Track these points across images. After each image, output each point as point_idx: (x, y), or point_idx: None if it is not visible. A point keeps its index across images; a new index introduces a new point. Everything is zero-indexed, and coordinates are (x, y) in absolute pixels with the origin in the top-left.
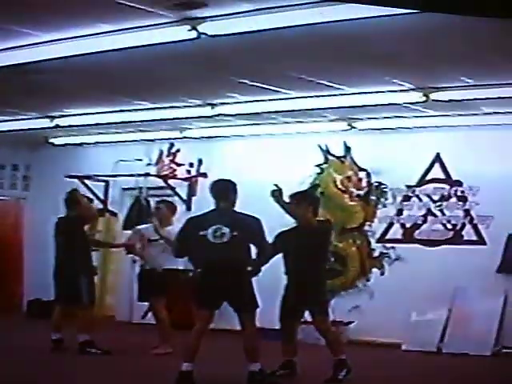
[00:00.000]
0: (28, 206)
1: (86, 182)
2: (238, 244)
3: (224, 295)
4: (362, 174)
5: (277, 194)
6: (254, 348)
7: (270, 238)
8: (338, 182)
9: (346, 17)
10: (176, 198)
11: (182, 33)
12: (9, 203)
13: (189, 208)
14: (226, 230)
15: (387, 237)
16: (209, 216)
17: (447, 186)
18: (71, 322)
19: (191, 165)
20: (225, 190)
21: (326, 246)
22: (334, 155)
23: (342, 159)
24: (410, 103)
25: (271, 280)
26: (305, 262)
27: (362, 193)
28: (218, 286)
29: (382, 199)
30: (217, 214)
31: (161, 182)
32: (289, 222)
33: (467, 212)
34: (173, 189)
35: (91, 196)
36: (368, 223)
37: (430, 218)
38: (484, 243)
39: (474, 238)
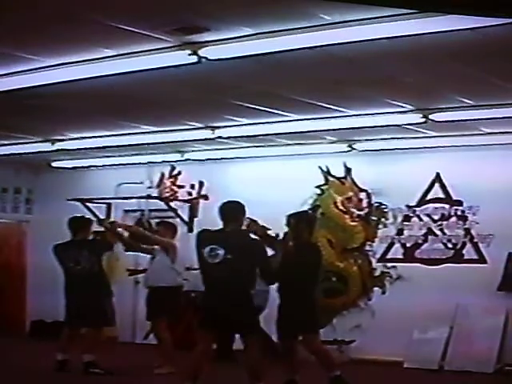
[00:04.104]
0: (31, 228)
1: (89, 204)
2: (231, 266)
3: (222, 316)
4: (362, 195)
5: (252, 226)
6: (256, 368)
7: None
8: (339, 203)
9: (346, 40)
10: (178, 220)
11: (183, 57)
12: (11, 226)
13: (190, 229)
14: (220, 251)
15: (388, 256)
16: (213, 234)
17: (447, 206)
18: (77, 343)
19: (192, 187)
20: (233, 211)
21: (319, 267)
22: (334, 176)
23: (343, 180)
24: (410, 124)
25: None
26: (295, 282)
27: (362, 213)
28: (215, 306)
29: (383, 219)
30: (219, 235)
31: (162, 204)
32: None
33: (467, 231)
34: (174, 211)
35: (93, 218)
36: (369, 243)
37: (430, 237)
38: (484, 262)
39: (475, 256)
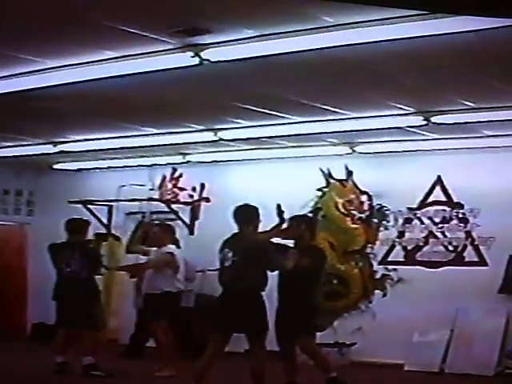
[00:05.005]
0: (32, 230)
1: (90, 206)
2: (238, 269)
3: (231, 319)
4: (363, 197)
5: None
6: (261, 372)
7: None
8: (340, 205)
9: (348, 42)
10: (179, 222)
11: (185, 59)
12: (13, 228)
13: (191, 232)
14: (229, 254)
15: (389, 259)
16: (229, 238)
17: (448, 208)
18: (74, 345)
19: (194, 189)
20: (245, 214)
21: (321, 269)
22: (335, 179)
23: (344, 182)
24: (411, 127)
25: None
26: (297, 284)
27: (363, 216)
28: (226, 309)
29: (384, 222)
30: (232, 238)
31: (164, 207)
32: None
33: (468, 233)
34: (176, 213)
35: (95, 220)
36: (370, 246)
37: (431, 239)
38: (485, 264)
39: (476, 259)
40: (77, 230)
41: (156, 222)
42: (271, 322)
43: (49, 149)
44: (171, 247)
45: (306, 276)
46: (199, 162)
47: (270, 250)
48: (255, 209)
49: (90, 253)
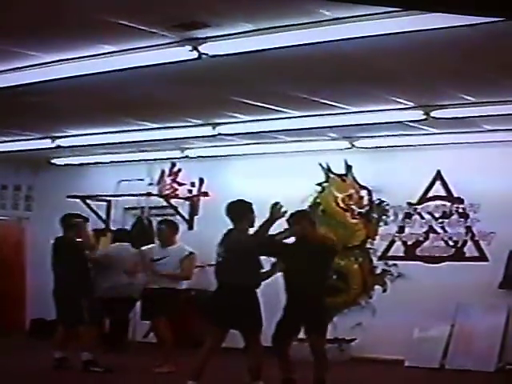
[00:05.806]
0: (30, 226)
1: (88, 201)
2: (229, 265)
3: (226, 314)
4: (363, 192)
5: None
6: (257, 367)
7: None
8: (340, 200)
9: (347, 36)
10: (178, 217)
11: (184, 53)
12: (11, 223)
13: (191, 227)
14: (221, 250)
15: (389, 254)
16: (225, 234)
17: (448, 203)
18: (73, 341)
19: (193, 184)
20: (236, 210)
21: (328, 264)
22: (335, 173)
23: (344, 177)
24: (411, 121)
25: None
26: (305, 279)
27: (363, 211)
28: (220, 304)
29: (384, 217)
30: (227, 235)
31: (163, 202)
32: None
33: (469, 229)
34: (175, 208)
35: (93, 215)
36: (370, 241)
37: (431, 235)
38: (486, 260)
39: (476, 254)
40: (69, 226)
41: (158, 218)
42: (275, 318)
43: (47, 144)
44: (183, 245)
45: (313, 270)
46: (198, 156)
47: (255, 252)
48: (248, 204)
49: (72, 248)
